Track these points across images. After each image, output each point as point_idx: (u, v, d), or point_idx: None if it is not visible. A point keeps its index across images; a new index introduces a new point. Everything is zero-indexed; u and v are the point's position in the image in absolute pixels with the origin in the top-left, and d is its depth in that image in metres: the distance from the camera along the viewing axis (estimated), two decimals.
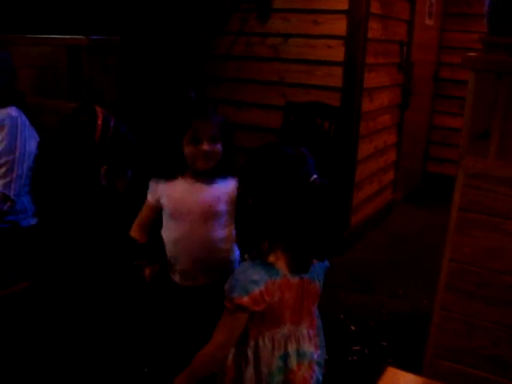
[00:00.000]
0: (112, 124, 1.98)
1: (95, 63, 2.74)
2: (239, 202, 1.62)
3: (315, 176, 1.53)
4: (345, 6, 3.72)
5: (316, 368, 1.69)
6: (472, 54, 1.91)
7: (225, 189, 2.04)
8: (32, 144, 2.55)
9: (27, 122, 2.54)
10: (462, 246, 1.91)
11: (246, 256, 1.62)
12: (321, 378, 1.72)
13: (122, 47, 2.85)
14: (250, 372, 1.60)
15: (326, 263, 1.70)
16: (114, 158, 1.97)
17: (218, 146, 2.02)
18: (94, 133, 1.92)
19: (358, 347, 2.90)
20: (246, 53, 4.17)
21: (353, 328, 3.09)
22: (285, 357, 1.60)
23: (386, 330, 3.08)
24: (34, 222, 2.63)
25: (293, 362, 1.60)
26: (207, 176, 2.04)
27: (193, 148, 2.00)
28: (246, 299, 1.49)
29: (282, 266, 1.56)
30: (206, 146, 1.99)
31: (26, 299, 2.45)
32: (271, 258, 1.56)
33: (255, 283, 1.50)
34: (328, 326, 3.05)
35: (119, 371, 2.08)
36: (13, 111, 2.49)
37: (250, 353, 1.60)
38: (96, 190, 1.97)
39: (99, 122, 1.94)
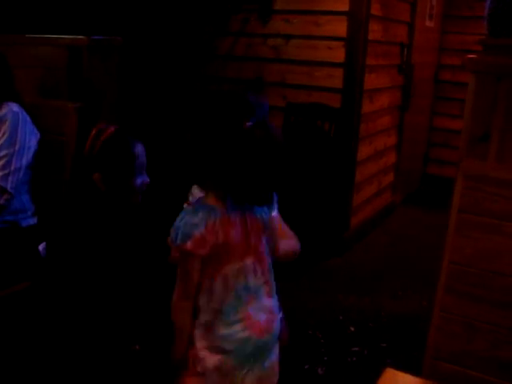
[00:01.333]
0: (109, 133, 1.94)
1: (96, 63, 2.74)
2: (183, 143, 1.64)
3: (250, 123, 1.49)
4: (345, 7, 3.73)
5: (268, 300, 1.68)
6: (472, 56, 1.91)
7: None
8: (32, 140, 2.55)
9: (28, 118, 2.55)
10: (461, 248, 1.91)
11: (184, 205, 1.64)
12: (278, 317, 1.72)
13: (122, 47, 2.85)
14: (203, 319, 1.62)
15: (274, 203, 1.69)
16: (105, 165, 1.93)
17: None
18: (86, 143, 1.94)
19: (357, 348, 2.90)
20: (247, 53, 4.17)
21: (352, 329, 3.09)
22: (238, 294, 1.60)
23: (385, 331, 3.08)
24: (33, 222, 2.63)
25: (244, 297, 1.61)
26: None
27: None
28: (189, 244, 1.52)
29: (220, 205, 1.56)
30: None
31: (25, 299, 2.45)
32: (209, 201, 1.57)
33: (195, 226, 1.52)
34: (327, 326, 3.07)
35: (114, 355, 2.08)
36: (14, 106, 2.50)
37: (204, 301, 1.61)
38: (95, 196, 1.95)
39: (92, 133, 1.94)
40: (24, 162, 2.50)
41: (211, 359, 1.63)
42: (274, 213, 1.75)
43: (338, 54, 3.82)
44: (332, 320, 3.16)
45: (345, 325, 3.12)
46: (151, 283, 2.04)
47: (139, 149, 1.98)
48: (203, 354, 1.63)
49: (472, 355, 1.94)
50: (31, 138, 2.54)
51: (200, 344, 1.64)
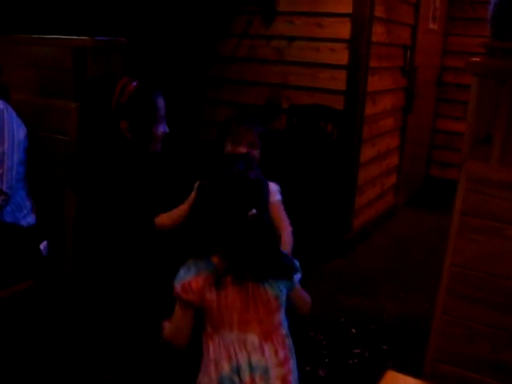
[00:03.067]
0: (133, 85, 2.17)
1: (100, 64, 2.75)
2: (194, 207, 1.73)
3: (254, 211, 1.55)
4: (349, 9, 3.73)
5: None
6: (475, 58, 1.91)
7: None
8: (20, 134, 2.53)
9: (14, 114, 2.53)
10: (463, 251, 1.91)
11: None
12: None
13: (126, 48, 2.86)
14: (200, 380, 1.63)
15: (294, 280, 1.68)
16: (132, 114, 2.15)
17: (255, 152, 2.20)
18: (112, 94, 2.17)
19: (358, 350, 2.90)
20: (250, 55, 4.18)
21: (353, 331, 3.09)
22: (237, 369, 1.57)
23: (386, 333, 3.08)
24: (33, 220, 2.63)
25: (245, 374, 1.57)
26: None
27: (231, 147, 2.19)
28: (178, 287, 1.58)
29: (221, 265, 1.60)
30: (243, 150, 2.17)
31: (29, 297, 2.46)
32: (214, 259, 1.61)
33: (188, 272, 1.59)
34: (328, 328, 3.07)
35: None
36: None
37: (206, 353, 1.63)
38: (122, 143, 2.16)
39: (119, 85, 2.17)
40: (15, 159, 2.48)
41: None
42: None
43: (342, 56, 3.82)
44: (333, 322, 3.16)
45: (346, 327, 3.13)
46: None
47: (160, 100, 2.23)
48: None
49: (473, 358, 1.94)
50: (19, 134, 2.52)
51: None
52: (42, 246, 2.63)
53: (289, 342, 1.68)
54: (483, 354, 1.92)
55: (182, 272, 1.60)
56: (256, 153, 2.21)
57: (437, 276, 2.02)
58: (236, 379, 1.56)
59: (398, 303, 3.44)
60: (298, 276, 1.69)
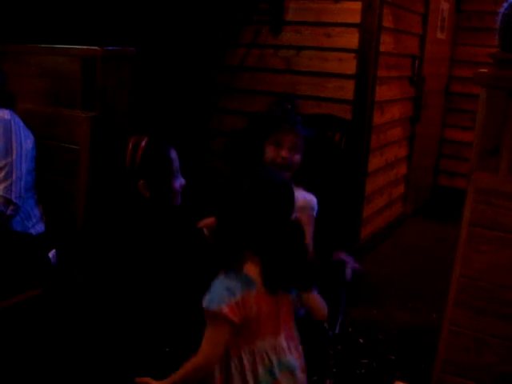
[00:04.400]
0: (144, 144, 2.17)
1: (109, 73, 2.76)
2: (221, 219, 1.66)
3: (295, 215, 1.59)
4: (357, 19, 3.75)
5: (300, 376, 1.71)
6: (483, 70, 1.91)
7: None
8: (28, 144, 2.54)
9: (21, 123, 2.54)
10: (471, 262, 1.91)
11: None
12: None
13: (135, 58, 2.88)
14: None
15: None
16: (149, 172, 2.15)
17: (297, 157, 2.17)
18: (125, 157, 2.17)
19: (366, 360, 2.89)
20: (259, 64, 4.20)
21: (361, 341, 3.08)
22: (270, 369, 1.62)
23: (394, 343, 3.07)
24: (41, 229, 2.64)
25: (277, 372, 1.62)
26: None
27: (273, 149, 2.15)
28: (224, 309, 1.53)
29: (256, 278, 1.59)
30: (284, 153, 2.13)
31: (37, 306, 2.47)
32: (246, 270, 1.59)
33: (232, 294, 1.54)
34: (336, 338, 3.06)
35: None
36: (5, 114, 2.48)
37: (233, 369, 1.61)
38: (140, 202, 2.16)
39: (129, 147, 2.17)
40: (24, 169, 2.49)
41: None
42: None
43: (350, 66, 3.83)
44: (341, 332, 3.15)
45: (354, 336, 3.12)
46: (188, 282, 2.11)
47: (173, 154, 2.22)
48: None
49: (481, 369, 1.93)
50: (27, 143, 2.53)
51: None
52: (51, 254, 2.64)
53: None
54: (492, 365, 1.91)
55: (222, 293, 1.55)
56: (297, 158, 2.18)
57: (445, 286, 2.02)
58: (269, 379, 1.61)
59: (405, 313, 3.43)
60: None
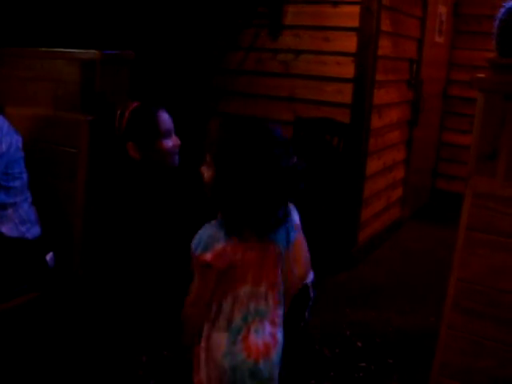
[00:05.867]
0: (132, 106, 2.20)
1: (108, 77, 2.77)
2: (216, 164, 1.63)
3: (295, 159, 1.62)
4: (355, 23, 3.76)
5: (272, 327, 1.69)
6: (481, 75, 1.92)
7: None
8: (13, 144, 2.50)
9: (5, 125, 2.49)
10: (469, 266, 1.91)
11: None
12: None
13: (134, 61, 2.88)
14: (206, 333, 1.67)
15: (294, 219, 1.74)
16: (135, 133, 2.16)
17: None
18: (114, 121, 2.20)
19: (364, 364, 2.89)
20: (257, 68, 4.21)
21: (359, 344, 3.08)
22: (245, 315, 1.65)
23: (392, 346, 3.07)
24: (38, 232, 2.63)
25: (250, 319, 1.65)
26: None
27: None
28: (209, 255, 1.57)
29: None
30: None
31: (35, 309, 2.47)
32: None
33: (217, 240, 1.57)
34: (334, 341, 3.07)
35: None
36: None
37: (212, 313, 1.66)
38: (131, 166, 2.17)
39: (118, 112, 2.21)
40: (17, 170, 2.50)
41: (207, 372, 1.68)
42: (297, 235, 1.78)
43: (348, 70, 3.84)
44: (339, 335, 3.16)
45: (352, 340, 3.12)
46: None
47: (162, 114, 2.22)
48: (203, 363, 1.68)
49: (479, 372, 1.93)
50: (12, 142, 2.48)
51: (202, 352, 1.69)
52: (48, 257, 2.64)
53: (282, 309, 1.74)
54: (489, 369, 1.92)
55: (208, 238, 1.58)
56: None
57: (443, 290, 2.03)
58: (243, 325, 1.64)
59: (403, 317, 3.43)
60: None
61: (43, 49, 2.92)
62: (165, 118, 2.24)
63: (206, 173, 1.65)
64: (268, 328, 1.67)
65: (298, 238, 1.78)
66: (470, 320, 1.94)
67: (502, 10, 1.90)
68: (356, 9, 3.74)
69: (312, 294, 1.83)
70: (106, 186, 2.29)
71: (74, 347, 2.31)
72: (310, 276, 1.85)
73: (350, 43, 3.81)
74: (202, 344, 1.68)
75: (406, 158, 5.00)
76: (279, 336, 1.70)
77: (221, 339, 1.65)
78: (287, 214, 1.68)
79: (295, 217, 1.78)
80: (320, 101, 3.96)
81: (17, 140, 2.54)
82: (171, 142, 2.24)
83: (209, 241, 1.58)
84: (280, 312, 1.72)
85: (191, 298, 1.68)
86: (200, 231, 1.61)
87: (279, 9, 4.00)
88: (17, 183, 2.52)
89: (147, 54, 3.88)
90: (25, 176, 2.56)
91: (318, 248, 3.64)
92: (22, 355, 2.41)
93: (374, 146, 4.17)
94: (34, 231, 2.61)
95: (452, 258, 1.98)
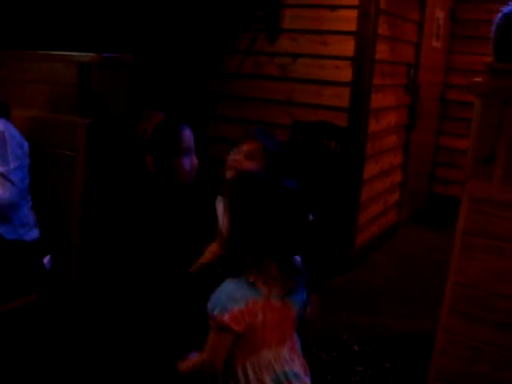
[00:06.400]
0: (158, 118, 2.18)
1: (106, 80, 2.77)
2: (233, 225, 1.62)
3: (311, 216, 1.64)
4: (353, 27, 3.77)
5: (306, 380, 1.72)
6: (478, 79, 1.93)
7: None
8: (23, 151, 2.54)
9: (15, 133, 2.53)
10: (466, 270, 1.92)
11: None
12: None
13: (132, 64, 2.89)
14: None
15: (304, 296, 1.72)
16: (156, 147, 2.14)
17: (249, 164, 2.10)
18: (137, 132, 2.19)
19: (360, 368, 2.89)
20: (255, 72, 4.21)
21: (356, 348, 3.08)
22: (276, 379, 1.61)
23: (389, 350, 3.07)
24: (36, 235, 2.64)
25: (283, 381, 1.62)
26: None
27: (230, 154, 2.16)
28: (226, 317, 1.52)
29: (263, 287, 1.57)
30: (238, 158, 2.11)
31: (32, 311, 2.46)
32: (253, 278, 1.57)
33: (236, 301, 1.53)
34: (331, 345, 3.06)
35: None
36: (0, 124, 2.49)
37: (240, 376, 1.62)
38: (146, 177, 2.17)
39: (142, 121, 2.19)
40: (21, 175, 2.51)
41: None
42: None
43: (345, 74, 3.85)
44: (336, 339, 3.15)
45: (348, 344, 3.12)
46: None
47: (186, 132, 2.19)
48: None
49: (475, 377, 1.94)
50: (20, 151, 2.52)
51: None
52: (46, 260, 2.64)
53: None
54: (485, 373, 1.92)
55: (226, 301, 1.54)
56: (250, 165, 2.08)
57: (440, 294, 2.03)
58: None
59: (400, 321, 3.43)
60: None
61: (41, 51, 2.93)
62: (187, 135, 2.20)
63: (224, 217, 1.66)
64: (306, 380, 1.70)
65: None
66: (466, 324, 1.94)
67: (499, 15, 1.92)
68: (354, 13, 3.75)
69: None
70: (119, 193, 2.29)
71: (70, 349, 2.30)
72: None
73: (348, 47, 3.81)
74: None
75: (403, 162, 5.01)
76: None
77: None
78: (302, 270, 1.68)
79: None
80: (318, 104, 3.97)
81: (26, 146, 2.58)
82: (189, 161, 2.21)
83: (227, 301, 1.53)
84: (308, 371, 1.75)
85: (206, 358, 1.61)
86: (218, 290, 1.57)
87: (277, 13, 4.01)
88: (21, 186, 2.53)
89: (146, 57, 3.88)
90: (26, 181, 2.58)
91: (315, 251, 3.65)
92: (18, 357, 2.40)
93: (372, 149, 4.18)
94: (33, 234, 2.61)
95: (449, 262, 1.98)
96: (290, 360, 1.65)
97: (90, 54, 2.73)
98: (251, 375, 1.60)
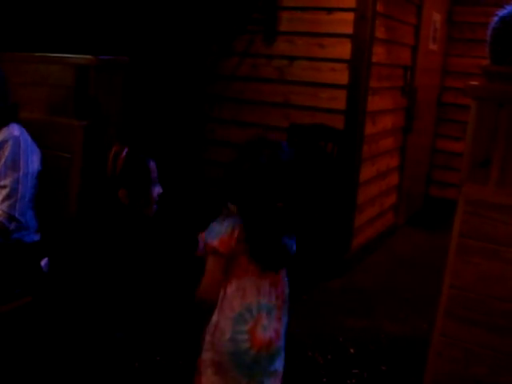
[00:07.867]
0: (124, 153, 2.19)
1: (102, 82, 2.77)
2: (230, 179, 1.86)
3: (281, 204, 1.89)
4: (350, 30, 3.77)
5: (277, 323, 1.88)
6: (474, 82, 1.93)
7: None
8: (35, 161, 2.55)
9: (29, 139, 2.54)
10: (461, 273, 1.92)
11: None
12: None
13: (128, 66, 2.88)
14: (215, 319, 1.83)
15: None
16: (129, 181, 2.19)
17: None
18: (107, 165, 2.21)
19: (356, 370, 2.89)
20: (252, 74, 4.21)
21: (352, 351, 3.08)
22: (250, 308, 1.81)
23: (385, 353, 3.07)
24: (37, 238, 2.64)
25: (254, 312, 1.82)
26: None
27: None
28: (215, 242, 1.78)
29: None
30: None
31: (27, 314, 2.46)
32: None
33: (225, 229, 1.79)
34: (326, 348, 3.06)
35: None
36: (15, 130, 2.49)
37: (220, 299, 1.83)
38: (119, 210, 2.22)
39: (110, 155, 2.21)
40: (29, 186, 2.50)
41: (210, 354, 1.84)
42: None
43: (342, 76, 3.85)
44: (331, 341, 3.15)
45: (344, 346, 3.12)
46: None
47: (152, 164, 2.27)
48: (208, 345, 1.85)
49: (471, 380, 1.94)
50: (33, 159, 2.54)
51: (208, 335, 1.85)
52: (43, 262, 2.64)
53: (287, 297, 1.94)
54: (481, 376, 1.92)
55: (216, 228, 1.79)
56: None
57: (436, 297, 2.03)
58: (247, 315, 1.81)
59: (396, 323, 3.44)
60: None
61: (37, 54, 2.92)
62: (153, 166, 2.28)
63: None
64: (274, 324, 1.86)
65: None
66: (462, 327, 1.94)
67: (496, 19, 1.92)
68: (350, 16, 3.76)
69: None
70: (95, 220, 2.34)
71: (65, 351, 2.30)
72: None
73: (345, 50, 3.82)
74: (209, 327, 1.84)
75: (399, 164, 5.02)
76: (282, 331, 1.89)
77: (225, 325, 1.80)
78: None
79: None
80: (314, 107, 3.97)
81: (39, 152, 2.60)
82: (157, 190, 2.28)
83: (219, 230, 1.79)
84: (285, 310, 1.92)
85: (203, 286, 1.84)
86: (211, 224, 1.82)
87: (274, 15, 4.02)
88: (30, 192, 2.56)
89: (142, 59, 3.88)
90: (37, 188, 2.59)
91: (312, 254, 3.65)
92: (14, 359, 2.40)
93: (368, 152, 4.18)
94: (32, 236, 2.61)
95: (445, 265, 1.98)
96: (269, 294, 1.84)
97: (87, 56, 2.72)
98: (228, 297, 1.81)
